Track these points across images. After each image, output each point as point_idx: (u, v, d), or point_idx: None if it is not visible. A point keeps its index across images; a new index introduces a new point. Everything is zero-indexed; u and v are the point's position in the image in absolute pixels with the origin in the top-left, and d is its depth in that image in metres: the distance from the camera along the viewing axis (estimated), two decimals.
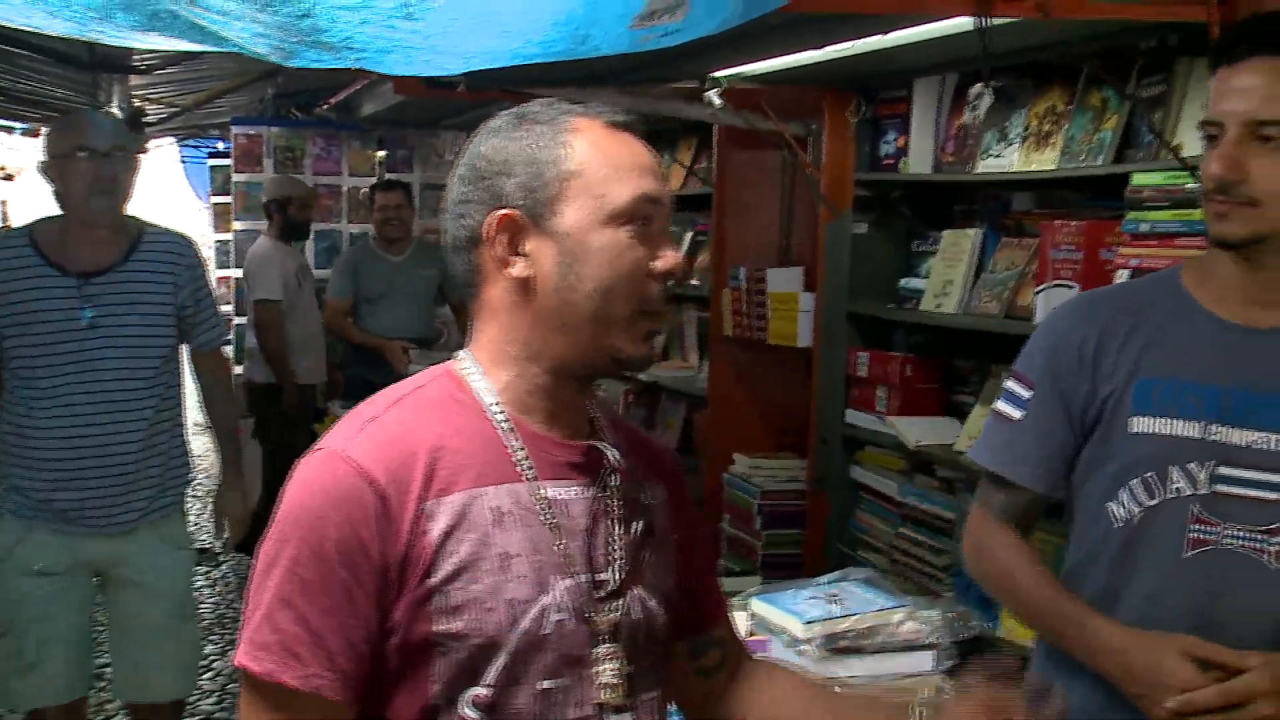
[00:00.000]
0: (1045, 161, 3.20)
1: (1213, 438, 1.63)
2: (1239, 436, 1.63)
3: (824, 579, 2.38)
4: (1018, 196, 3.48)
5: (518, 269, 1.25)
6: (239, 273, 6.88)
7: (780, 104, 3.90)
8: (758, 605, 2.28)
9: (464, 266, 1.30)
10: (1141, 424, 1.67)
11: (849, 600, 2.27)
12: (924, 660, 2.24)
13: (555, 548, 1.25)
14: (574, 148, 1.25)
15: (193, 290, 3.12)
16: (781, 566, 3.88)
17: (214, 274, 7.87)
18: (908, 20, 2.61)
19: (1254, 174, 1.57)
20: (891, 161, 3.75)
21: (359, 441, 1.24)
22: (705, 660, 1.45)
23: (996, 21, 2.36)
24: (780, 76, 3.61)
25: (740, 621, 2.25)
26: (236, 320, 6.95)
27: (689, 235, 5.16)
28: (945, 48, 2.92)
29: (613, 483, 1.30)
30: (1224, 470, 1.63)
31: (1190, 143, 2.58)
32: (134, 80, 5.31)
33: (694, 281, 4.99)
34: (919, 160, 3.63)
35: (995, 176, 3.37)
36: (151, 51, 4.44)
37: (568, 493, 1.28)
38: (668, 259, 1.26)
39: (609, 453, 1.29)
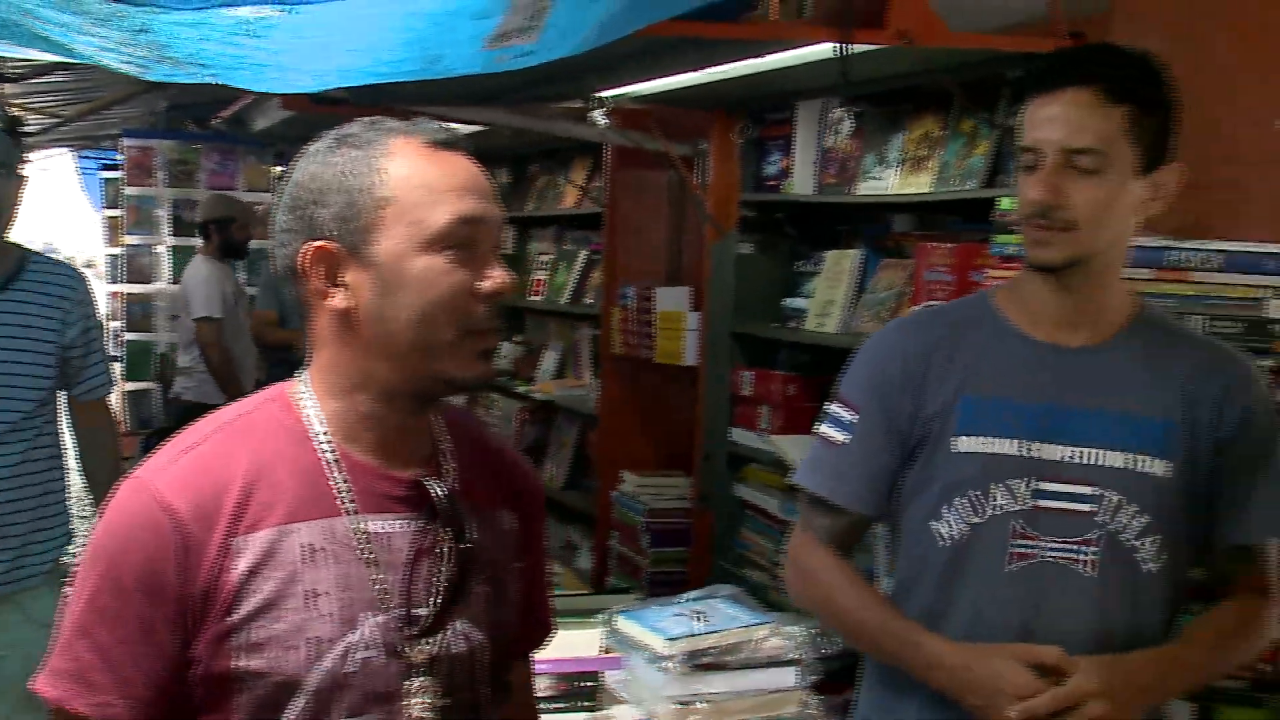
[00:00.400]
0: (921, 185, 3.28)
1: (1032, 454, 1.68)
2: (1055, 452, 1.68)
3: (689, 595, 2.39)
4: (899, 218, 3.55)
5: (338, 300, 1.23)
6: (131, 288, 6.79)
7: (669, 124, 3.94)
8: (623, 623, 2.29)
9: (292, 295, 1.28)
10: (965, 443, 1.70)
11: (714, 617, 2.28)
12: (787, 676, 2.25)
13: (370, 583, 1.24)
14: (388, 173, 1.22)
15: (83, 330, 2.79)
16: (667, 584, 3.90)
17: (106, 288, 7.73)
18: (772, 46, 2.65)
19: (1072, 199, 1.62)
20: (776, 183, 3.81)
21: (170, 472, 1.22)
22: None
23: (861, 48, 2.42)
24: (669, 97, 3.65)
25: (597, 639, 2.26)
26: (129, 336, 6.84)
27: (584, 254, 5.18)
28: (827, 71, 2.97)
29: (443, 513, 1.28)
30: (1043, 485, 1.67)
31: None
32: (8, 88, 5.18)
33: (588, 300, 5.01)
34: (802, 181, 3.69)
35: (873, 199, 3.44)
36: (21, 60, 4.35)
37: (392, 526, 1.26)
38: (494, 280, 1.24)
39: (433, 489, 1.27)
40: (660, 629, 2.21)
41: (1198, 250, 2.37)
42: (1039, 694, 1.58)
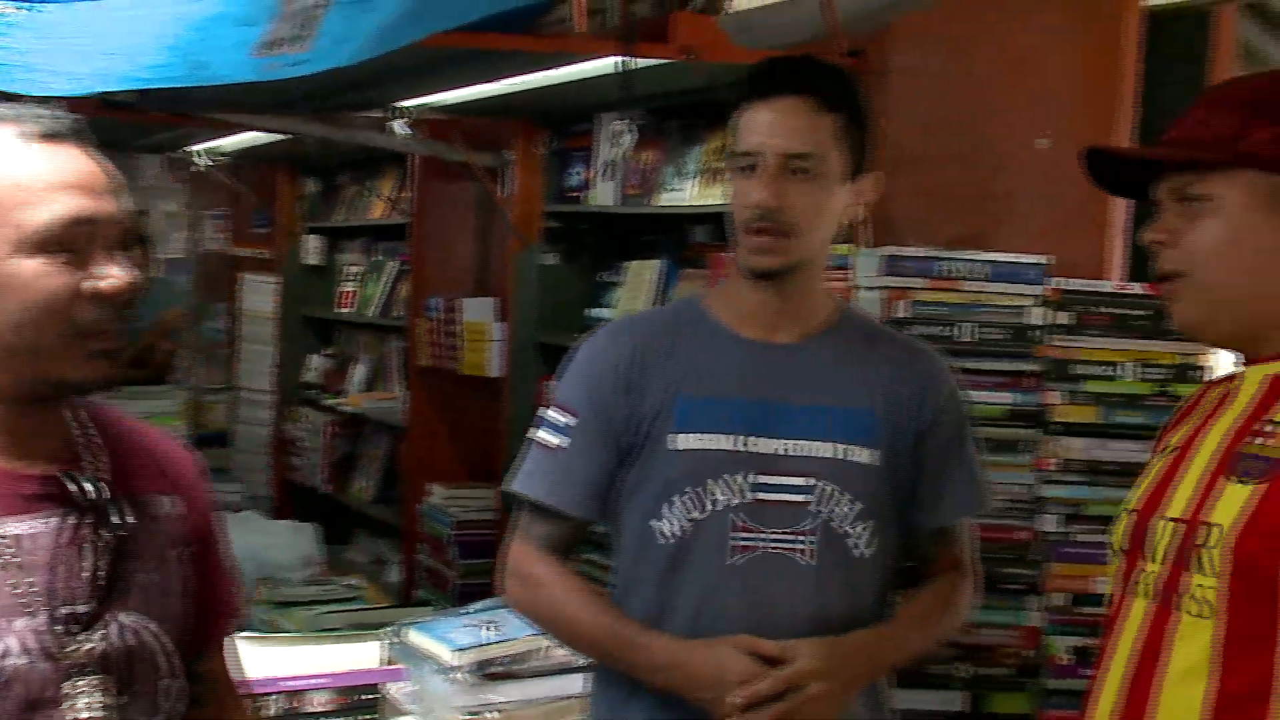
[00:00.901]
0: (718, 196, 3.35)
1: (747, 449, 1.73)
2: (769, 445, 1.73)
3: (480, 605, 2.39)
4: (698, 229, 3.63)
5: None
6: None
7: (475, 135, 3.94)
8: (413, 634, 2.27)
9: None
10: (682, 441, 1.73)
11: (504, 626, 2.28)
12: (577, 683, 2.27)
13: (12, 587, 1.18)
14: None
15: None
16: (477, 596, 3.82)
17: None
18: (564, 58, 2.67)
19: (792, 202, 1.68)
20: (578, 194, 3.84)
21: None
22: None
23: (646, 62, 2.46)
24: (473, 108, 3.65)
25: (380, 651, 2.24)
26: None
27: (393, 266, 5.13)
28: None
29: (93, 502, 1.22)
30: (760, 479, 1.72)
31: None
32: None
33: (397, 313, 4.96)
34: (604, 193, 3.73)
35: (673, 210, 3.50)
36: None
37: (35, 526, 1.20)
38: (107, 281, 1.17)
39: (72, 483, 1.22)
40: (449, 639, 2.21)
41: (967, 261, 2.49)
42: (761, 679, 1.63)
